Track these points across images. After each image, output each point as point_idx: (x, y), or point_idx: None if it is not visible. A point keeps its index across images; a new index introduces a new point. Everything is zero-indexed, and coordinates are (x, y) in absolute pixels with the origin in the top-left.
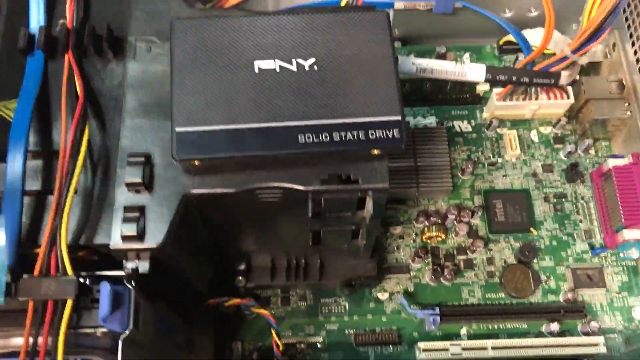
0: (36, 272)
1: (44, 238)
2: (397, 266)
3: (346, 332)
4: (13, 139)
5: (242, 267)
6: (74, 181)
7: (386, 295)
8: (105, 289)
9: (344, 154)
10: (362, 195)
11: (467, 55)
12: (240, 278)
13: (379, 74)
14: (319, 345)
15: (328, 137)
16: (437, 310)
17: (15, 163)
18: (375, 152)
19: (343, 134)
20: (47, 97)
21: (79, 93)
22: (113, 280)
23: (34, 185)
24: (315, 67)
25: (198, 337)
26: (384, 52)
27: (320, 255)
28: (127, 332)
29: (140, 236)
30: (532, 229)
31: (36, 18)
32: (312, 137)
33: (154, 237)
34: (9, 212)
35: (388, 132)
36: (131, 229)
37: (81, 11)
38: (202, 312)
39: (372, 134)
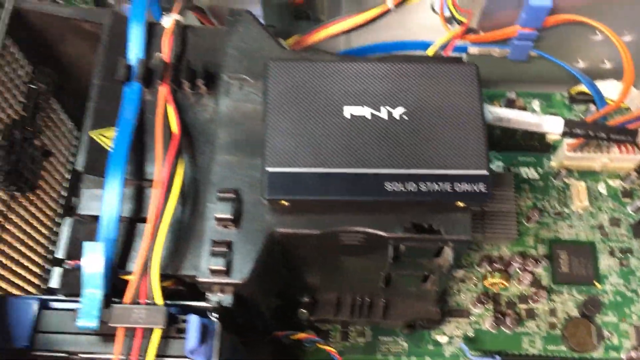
0: (127, 300)
1: (137, 266)
2: (458, 310)
3: None
4: (112, 167)
5: (306, 299)
6: (168, 212)
7: (445, 338)
8: (194, 321)
9: (428, 204)
10: (442, 245)
11: (537, 102)
12: (304, 310)
13: (467, 128)
14: None
15: (414, 187)
16: (498, 358)
17: (113, 191)
18: (460, 204)
19: (429, 184)
20: (140, 126)
21: (174, 126)
22: (195, 311)
23: (124, 212)
24: (405, 117)
25: None
26: (473, 105)
27: (385, 295)
28: None
29: (227, 271)
30: (596, 283)
31: (135, 50)
32: (399, 186)
33: (240, 273)
34: (105, 239)
35: (474, 186)
36: (219, 263)
37: (177, 46)
38: (263, 342)
39: (457, 187)
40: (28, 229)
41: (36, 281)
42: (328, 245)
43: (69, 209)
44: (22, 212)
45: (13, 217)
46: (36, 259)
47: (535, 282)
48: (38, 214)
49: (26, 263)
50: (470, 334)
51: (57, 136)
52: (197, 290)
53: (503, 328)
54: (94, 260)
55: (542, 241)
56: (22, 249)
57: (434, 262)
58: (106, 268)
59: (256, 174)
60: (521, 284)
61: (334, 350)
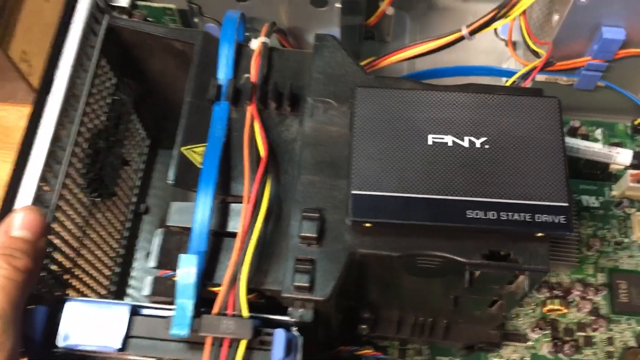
0: (215, 310)
1: (226, 279)
2: (515, 334)
3: None
4: (203, 183)
5: (368, 315)
6: (257, 228)
7: None
8: (281, 335)
9: (507, 233)
10: (519, 273)
11: (599, 131)
12: (365, 326)
13: (548, 159)
14: None
15: (495, 215)
16: None
17: (204, 205)
18: (539, 234)
19: (510, 214)
20: (226, 143)
21: (260, 145)
22: (278, 324)
23: (212, 226)
24: (487, 146)
25: None
26: (555, 138)
27: (448, 317)
28: None
29: (310, 287)
30: None
31: (224, 71)
32: (480, 214)
33: (322, 290)
34: (196, 251)
35: (554, 218)
36: (303, 280)
37: (264, 67)
38: (325, 356)
39: (538, 217)
40: (104, 234)
41: (106, 282)
42: (404, 268)
43: (137, 215)
44: (100, 218)
45: (93, 222)
46: (108, 262)
47: (594, 311)
48: (113, 220)
49: (100, 266)
50: (527, 358)
51: (133, 145)
52: (276, 304)
53: (560, 355)
54: (187, 272)
55: (601, 270)
56: (98, 252)
57: (506, 288)
58: (197, 279)
59: (338, 194)
60: (580, 311)
61: None
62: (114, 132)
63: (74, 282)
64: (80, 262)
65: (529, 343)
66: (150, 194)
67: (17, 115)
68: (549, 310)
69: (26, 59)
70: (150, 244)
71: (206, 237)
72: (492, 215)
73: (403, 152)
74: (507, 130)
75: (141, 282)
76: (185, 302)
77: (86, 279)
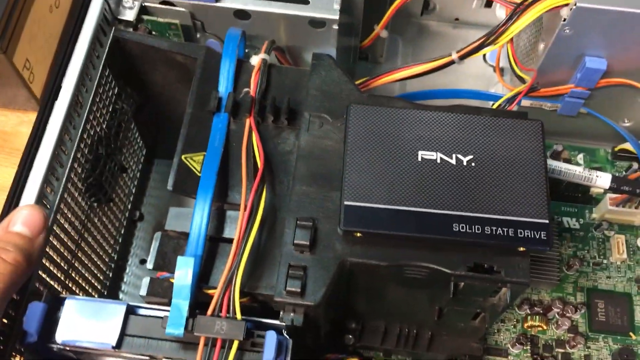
0: (209, 312)
1: (221, 282)
2: (496, 348)
3: None
4: (202, 190)
5: (354, 325)
6: (252, 235)
7: None
8: (272, 337)
9: (491, 246)
10: (501, 286)
11: (581, 156)
12: (350, 336)
13: (530, 179)
14: None
15: (480, 230)
16: None
17: (202, 211)
18: (521, 249)
19: (494, 228)
20: (225, 153)
21: (258, 156)
22: (269, 327)
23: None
24: (473, 164)
25: None
26: (537, 159)
27: (432, 328)
28: None
29: (302, 293)
30: (631, 334)
31: (225, 84)
32: (465, 227)
33: (313, 295)
34: (193, 255)
35: (536, 234)
36: (295, 285)
37: (263, 82)
38: None
39: (520, 233)
40: (99, 238)
41: (99, 286)
42: (391, 277)
43: (132, 221)
44: (97, 222)
45: (90, 225)
46: (102, 266)
47: (573, 328)
48: (108, 225)
49: (93, 268)
50: None
51: (130, 153)
52: (269, 309)
53: None
54: (185, 273)
55: (580, 289)
56: (93, 256)
57: (488, 300)
58: (193, 281)
59: (331, 205)
60: (559, 328)
61: None
62: (114, 139)
63: (69, 283)
64: (77, 264)
65: (510, 358)
66: (145, 201)
67: (16, 120)
68: (529, 327)
69: (29, 67)
70: (147, 249)
71: (203, 242)
72: (477, 229)
73: (394, 166)
74: (492, 149)
75: (133, 287)
76: (181, 303)
77: (81, 280)
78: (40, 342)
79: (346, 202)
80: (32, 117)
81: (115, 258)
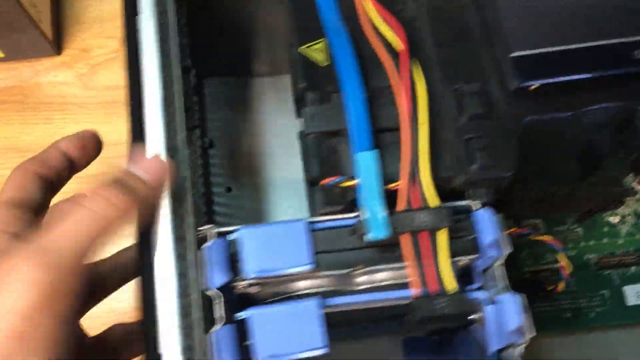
0: (400, 207)
1: (403, 171)
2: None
3: (584, 257)
4: (345, 73)
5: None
6: (424, 113)
7: (618, 218)
8: (487, 215)
9: None
10: None
11: None
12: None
13: None
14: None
15: None
16: None
17: (356, 99)
18: None
19: None
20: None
21: (393, 37)
22: (463, 210)
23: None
24: None
25: None
26: None
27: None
28: (502, 258)
29: (492, 165)
30: None
31: None
32: None
33: (506, 166)
34: (365, 149)
35: None
36: (483, 159)
37: None
38: None
39: None
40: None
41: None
42: (571, 130)
43: (204, 151)
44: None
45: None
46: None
47: None
48: (192, 155)
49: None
50: None
51: None
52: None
53: None
54: (369, 171)
55: None
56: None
57: None
58: (380, 177)
59: (487, 63)
60: None
61: (550, 238)
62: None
63: None
64: None
65: (638, 196)
66: (210, 127)
67: (31, 72)
68: None
69: (35, 4)
70: (227, 176)
71: (370, 132)
72: None
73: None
74: None
75: (229, 217)
76: (374, 203)
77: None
78: (226, 283)
79: (514, 54)
80: (46, 64)
81: (204, 191)
